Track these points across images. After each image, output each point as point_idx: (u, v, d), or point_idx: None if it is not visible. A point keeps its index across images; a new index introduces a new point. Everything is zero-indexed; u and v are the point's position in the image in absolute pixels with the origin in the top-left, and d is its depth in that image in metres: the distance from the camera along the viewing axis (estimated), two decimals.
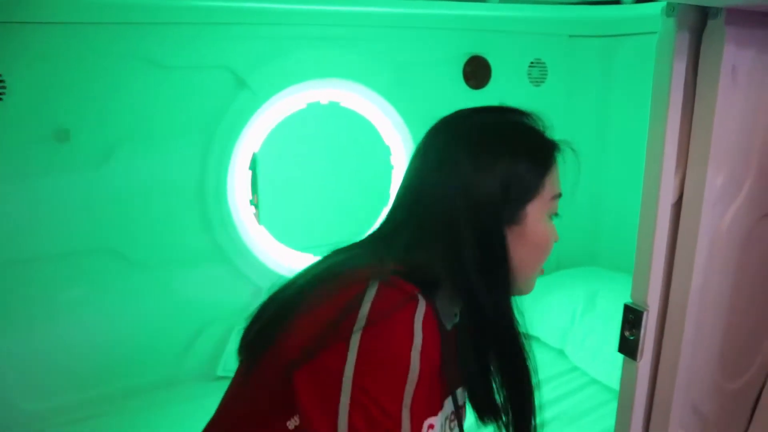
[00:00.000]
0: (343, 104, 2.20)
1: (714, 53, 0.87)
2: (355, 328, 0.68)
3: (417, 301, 0.70)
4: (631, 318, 1.02)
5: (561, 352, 2.22)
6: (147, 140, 1.90)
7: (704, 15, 0.87)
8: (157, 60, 1.86)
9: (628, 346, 1.04)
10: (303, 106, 2.13)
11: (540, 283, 2.66)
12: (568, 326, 2.23)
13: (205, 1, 1.81)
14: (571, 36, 2.60)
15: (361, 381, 0.66)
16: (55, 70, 1.73)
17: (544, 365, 2.12)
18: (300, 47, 2.05)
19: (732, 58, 0.87)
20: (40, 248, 1.80)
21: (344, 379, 0.66)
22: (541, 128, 0.86)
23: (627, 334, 1.04)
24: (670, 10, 0.85)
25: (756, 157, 1.01)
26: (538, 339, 2.30)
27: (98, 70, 1.79)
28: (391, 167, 2.36)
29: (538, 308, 2.35)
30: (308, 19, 2.02)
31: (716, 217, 0.99)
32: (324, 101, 2.16)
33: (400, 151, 2.34)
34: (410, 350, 0.67)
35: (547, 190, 0.81)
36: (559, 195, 0.83)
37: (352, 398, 0.66)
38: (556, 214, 0.84)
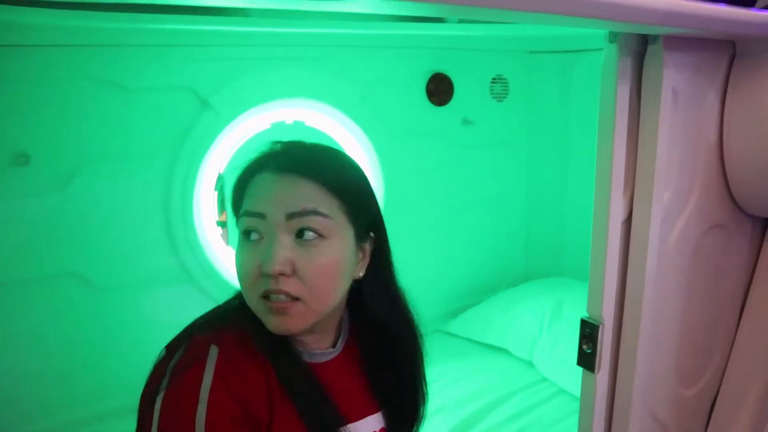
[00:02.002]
0: (308, 123, 2.22)
1: (655, 76, 0.91)
2: (157, 396, 0.70)
3: (206, 357, 0.72)
4: (588, 332, 1.05)
5: (530, 364, 2.25)
6: (110, 163, 1.88)
7: (644, 40, 0.91)
8: (119, 82, 1.85)
9: (586, 360, 1.07)
10: (268, 126, 2.14)
11: (507, 294, 2.69)
12: (536, 337, 2.27)
13: (167, 24, 1.80)
14: (531, 52, 2.67)
15: None
16: (13, 94, 1.70)
17: (512, 377, 2.17)
18: (263, 68, 2.06)
19: (672, 80, 0.92)
20: (1, 274, 1.76)
21: None
22: (265, 150, 0.81)
23: (584, 347, 1.07)
24: (613, 36, 0.88)
25: (700, 174, 1.05)
26: (506, 351, 2.33)
27: (58, 92, 1.77)
28: None
29: (506, 320, 2.39)
30: (271, 40, 2.03)
31: (665, 232, 1.03)
32: (289, 121, 2.17)
33: (366, 169, 2.35)
34: (196, 405, 0.69)
35: (242, 209, 0.78)
36: (248, 213, 0.76)
37: None
38: (247, 235, 0.76)
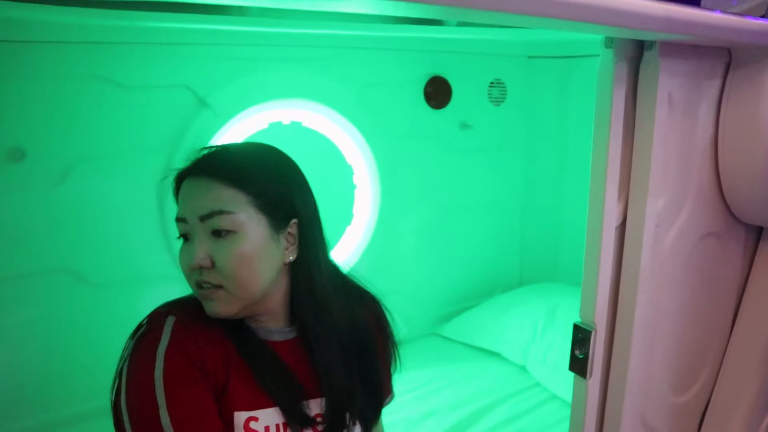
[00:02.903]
0: (305, 124, 2.21)
1: (650, 82, 0.91)
2: (123, 364, 0.82)
3: (163, 324, 0.83)
4: (580, 337, 1.05)
5: (523, 368, 2.25)
6: (106, 160, 1.87)
7: (641, 46, 0.91)
8: (117, 79, 1.84)
9: (578, 365, 1.07)
10: (265, 126, 2.13)
11: (502, 299, 2.68)
12: (529, 342, 2.26)
13: (166, 22, 1.80)
14: (529, 57, 2.67)
15: (129, 401, 0.79)
16: (10, 89, 1.70)
17: (506, 381, 2.17)
18: (261, 68, 2.06)
19: (667, 86, 0.92)
20: None
21: (121, 406, 0.79)
22: (192, 157, 0.91)
23: (576, 352, 1.06)
24: (609, 42, 0.89)
25: (694, 180, 1.05)
26: (499, 355, 2.33)
27: (55, 89, 1.76)
28: (354, 186, 2.38)
29: (500, 324, 2.39)
30: (270, 40, 2.02)
31: (659, 238, 1.03)
32: (286, 121, 2.17)
33: (363, 171, 2.35)
34: (154, 362, 0.79)
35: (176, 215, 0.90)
36: (177, 218, 0.87)
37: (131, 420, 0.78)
38: (182, 236, 0.87)
